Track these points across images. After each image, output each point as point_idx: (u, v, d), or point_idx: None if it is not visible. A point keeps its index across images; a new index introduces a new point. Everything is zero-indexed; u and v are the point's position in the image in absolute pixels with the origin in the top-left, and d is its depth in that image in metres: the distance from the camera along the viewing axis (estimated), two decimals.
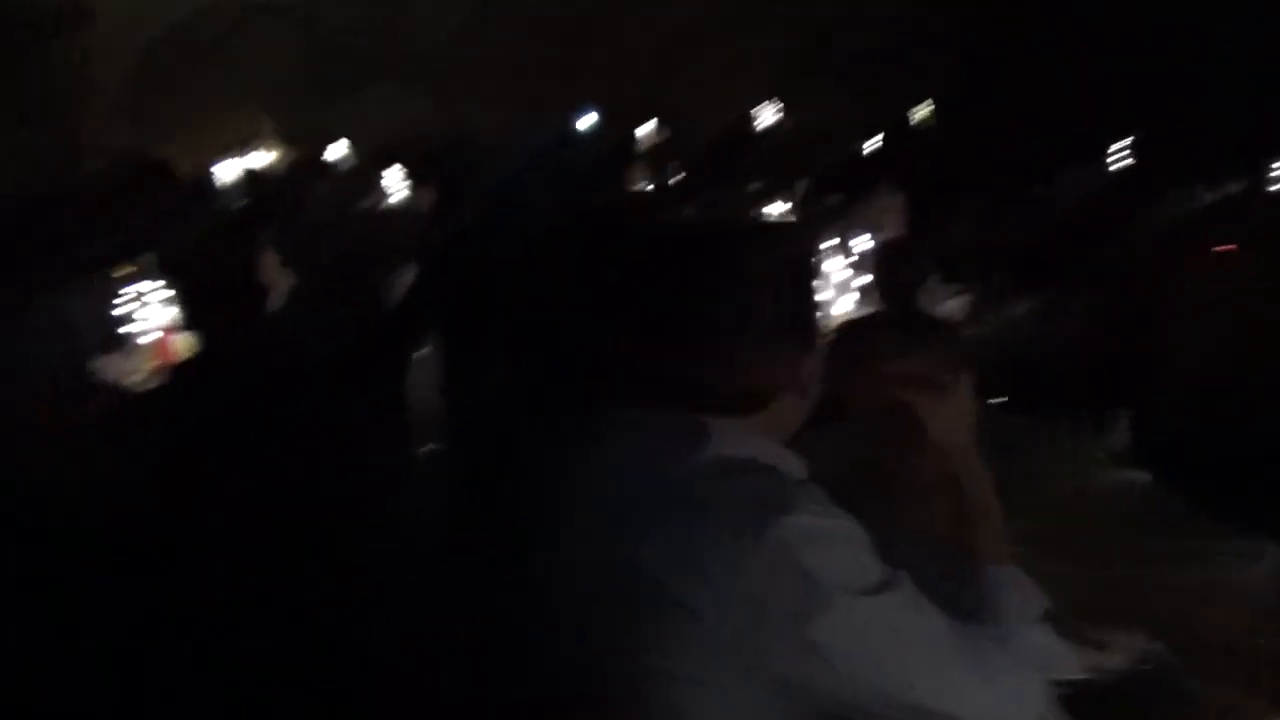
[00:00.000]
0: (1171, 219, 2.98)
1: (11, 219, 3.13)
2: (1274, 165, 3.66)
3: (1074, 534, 1.31)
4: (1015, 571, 1.05)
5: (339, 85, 5.68)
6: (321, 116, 5.44)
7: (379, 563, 2.00)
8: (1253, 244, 2.24)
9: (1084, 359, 1.97)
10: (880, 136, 5.70)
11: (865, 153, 5.62)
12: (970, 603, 1.01)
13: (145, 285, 2.94)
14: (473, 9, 6.19)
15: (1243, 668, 1.15)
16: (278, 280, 2.62)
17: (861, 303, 3.17)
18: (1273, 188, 3.60)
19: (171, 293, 2.80)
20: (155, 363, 2.86)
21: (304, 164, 4.78)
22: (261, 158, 4.97)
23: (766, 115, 6.44)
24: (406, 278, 2.90)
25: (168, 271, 2.88)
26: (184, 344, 2.70)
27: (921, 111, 6.67)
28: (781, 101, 6.47)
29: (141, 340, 2.92)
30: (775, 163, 4.90)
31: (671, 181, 4.81)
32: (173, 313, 2.83)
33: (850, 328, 1.39)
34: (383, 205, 4.43)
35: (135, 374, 2.84)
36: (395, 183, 4.64)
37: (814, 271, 1.13)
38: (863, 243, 3.39)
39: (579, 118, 6.05)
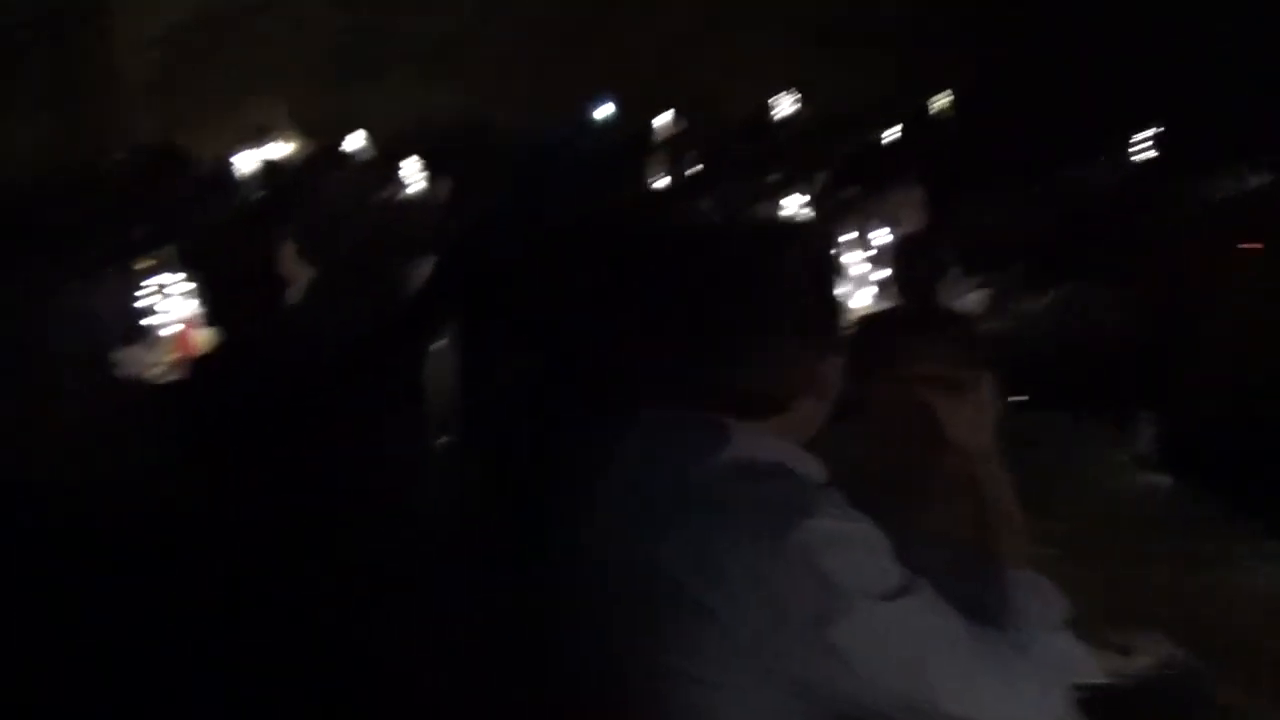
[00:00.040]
0: (1195, 213, 2.93)
1: (33, 209, 3.16)
2: None
3: (1096, 536, 1.30)
4: (1037, 576, 1.05)
5: (356, 75, 5.69)
6: (339, 107, 5.45)
7: (395, 556, 2.01)
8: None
9: (1107, 357, 1.95)
10: (899, 127, 5.66)
11: (884, 143, 5.58)
12: (991, 607, 1.00)
13: (166, 278, 2.95)
14: None
15: (1267, 672, 1.14)
16: (296, 273, 2.63)
17: (880, 297, 3.15)
18: None
19: (192, 285, 2.82)
20: (176, 355, 2.88)
21: (321, 155, 4.79)
22: (279, 148, 4.98)
23: (784, 105, 6.41)
24: (424, 269, 2.91)
25: (188, 264, 2.90)
26: (204, 337, 2.72)
27: (941, 101, 6.62)
28: (799, 92, 6.43)
29: (162, 333, 2.94)
30: (793, 154, 4.87)
31: (689, 173, 4.79)
32: (193, 305, 2.85)
33: (869, 325, 1.37)
34: (400, 196, 4.43)
35: (156, 366, 2.86)
36: (413, 173, 4.64)
37: (834, 272, 1.12)
38: (881, 236, 3.36)
39: (596, 108, 6.05)
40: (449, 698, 1.59)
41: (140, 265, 3.02)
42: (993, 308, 3.03)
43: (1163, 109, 4.98)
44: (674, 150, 5.02)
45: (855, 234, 3.38)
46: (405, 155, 4.69)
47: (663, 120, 5.65)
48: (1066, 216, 3.78)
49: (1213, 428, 1.44)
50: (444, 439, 2.56)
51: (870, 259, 3.29)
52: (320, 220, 3.05)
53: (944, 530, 1.07)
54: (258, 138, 4.90)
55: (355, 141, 5.14)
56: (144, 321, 2.96)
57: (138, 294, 2.98)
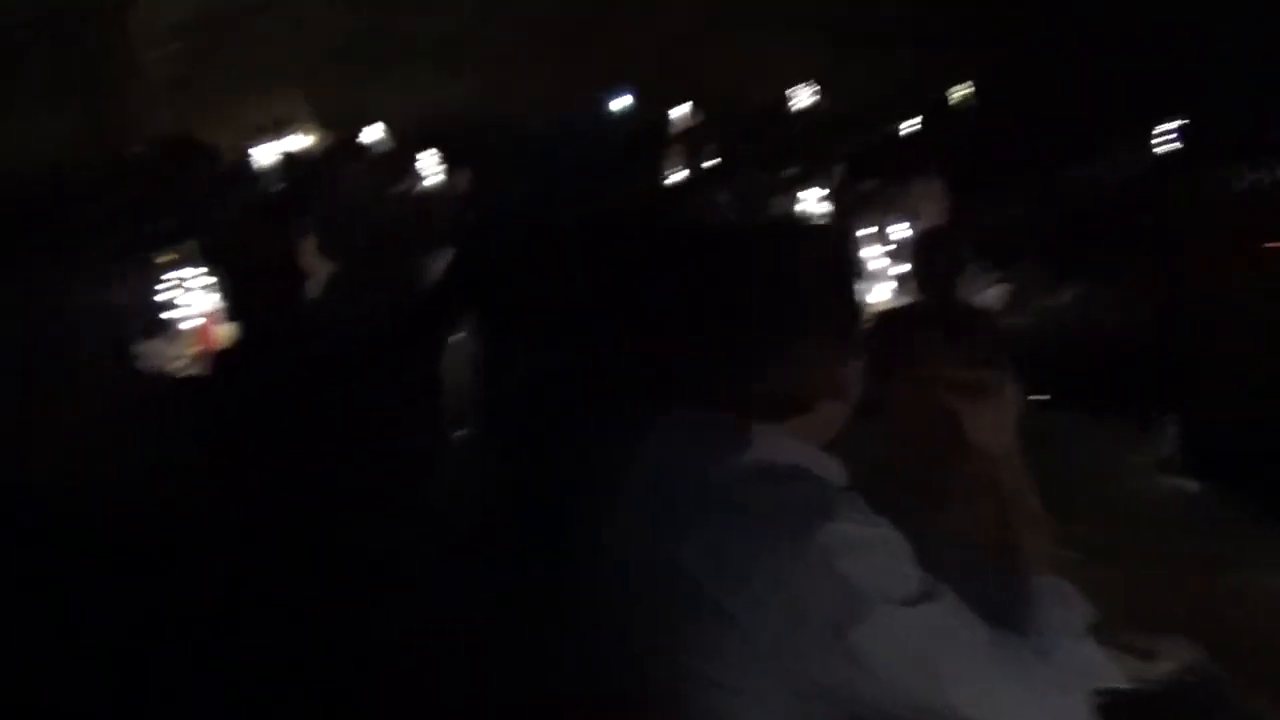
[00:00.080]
0: (1220, 208, 2.90)
1: (54, 203, 3.18)
2: None
3: (1118, 539, 1.29)
4: (1059, 580, 1.04)
5: (374, 68, 5.69)
6: (357, 100, 5.46)
7: (413, 549, 2.02)
8: None
9: (1128, 355, 1.92)
10: (918, 120, 5.62)
11: (903, 136, 5.54)
12: (1013, 612, 1.00)
13: (187, 272, 2.97)
14: None
15: None
16: (316, 266, 2.64)
17: (899, 292, 3.13)
18: None
19: (212, 279, 2.83)
20: (197, 348, 2.90)
21: (339, 148, 4.80)
22: (298, 141, 5.00)
23: (802, 98, 6.37)
24: (441, 261, 2.91)
25: (208, 258, 2.91)
26: (225, 330, 2.73)
27: (960, 93, 6.57)
28: (817, 84, 6.39)
29: (184, 326, 2.96)
30: (811, 147, 4.85)
31: (706, 165, 4.77)
32: (214, 299, 2.87)
33: (889, 323, 1.37)
34: (418, 188, 4.44)
35: (177, 360, 2.88)
36: (430, 166, 4.65)
37: (856, 273, 1.12)
38: (900, 231, 3.34)
39: (614, 100, 6.03)
40: (465, 695, 1.60)
41: (161, 259, 3.04)
42: (1012, 303, 3.01)
43: (1186, 102, 4.93)
44: (691, 143, 5.01)
45: (874, 228, 3.36)
46: (423, 148, 4.69)
47: (680, 113, 5.63)
48: (1088, 211, 3.75)
49: (1237, 429, 1.42)
50: (461, 432, 2.57)
51: (888, 254, 3.27)
52: (338, 213, 3.07)
53: (965, 534, 1.07)
54: (276, 131, 4.91)
55: (373, 134, 5.15)
56: (165, 315, 2.98)
57: (159, 288, 3.00)
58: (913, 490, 1.08)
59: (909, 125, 5.59)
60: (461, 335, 2.63)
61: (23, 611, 1.64)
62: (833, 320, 1.05)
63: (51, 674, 1.61)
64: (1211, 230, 2.37)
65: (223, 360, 2.51)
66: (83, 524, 1.82)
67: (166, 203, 3.47)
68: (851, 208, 3.69)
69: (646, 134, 5.13)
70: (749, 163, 4.52)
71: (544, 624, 1.14)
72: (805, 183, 3.95)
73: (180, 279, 2.98)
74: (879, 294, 3.04)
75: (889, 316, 1.41)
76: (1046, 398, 1.27)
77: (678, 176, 4.51)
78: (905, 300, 2.73)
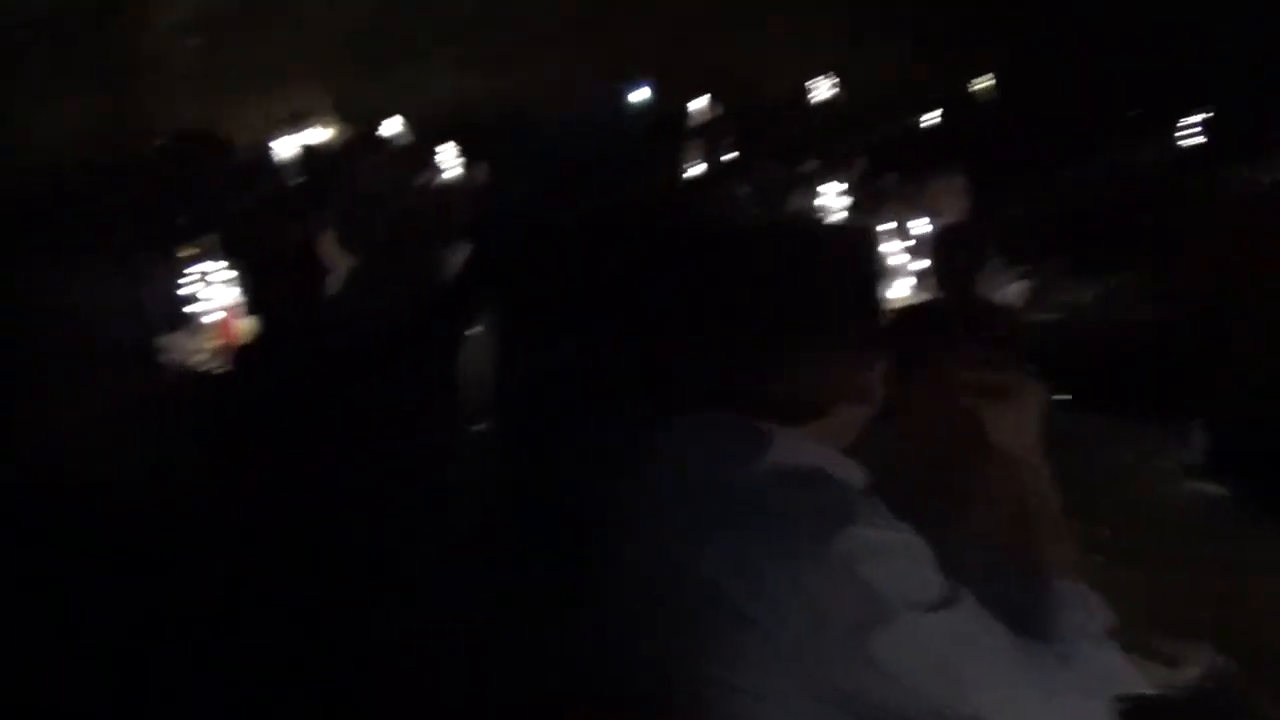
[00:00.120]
0: (1251, 200, 2.85)
1: (75, 195, 3.20)
2: None
3: (1141, 544, 1.28)
4: (1082, 586, 1.03)
5: (393, 60, 5.70)
6: (376, 92, 5.47)
7: (428, 545, 2.02)
8: None
9: (1155, 354, 1.90)
10: (939, 112, 5.58)
11: (923, 129, 5.50)
12: (1035, 618, 0.99)
13: (208, 265, 2.99)
14: None
15: None
16: (334, 260, 2.65)
17: (918, 289, 3.11)
18: None
19: (233, 273, 2.85)
20: (218, 342, 2.92)
21: (358, 141, 4.82)
22: (317, 134, 5.02)
23: (821, 89, 6.33)
24: (460, 254, 2.92)
25: (228, 252, 2.93)
26: (245, 324, 2.75)
27: (982, 85, 6.51)
28: (836, 76, 6.35)
29: (205, 320, 2.98)
30: (830, 140, 4.82)
31: (725, 159, 4.75)
32: (234, 293, 2.89)
33: (910, 323, 1.35)
34: (437, 181, 4.45)
35: (198, 353, 2.90)
36: (449, 159, 4.65)
37: (879, 276, 1.11)
38: (920, 225, 3.31)
39: (633, 92, 6.02)
40: (480, 697, 1.60)
41: (181, 253, 3.06)
42: (1035, 300, 2.98)
43: (1214, 94, 4.86)
44: (710, 136, 4.99)
45: (893, 223, 3.34)
46: (441, 141, 4.70)
47: (699, 105, 5.61)
48: (1112, 203, 3.70)
49: (1267, 434, 1.40)
50: (479, 426, 2.57)
51: (908, 249, 3.25)
52: (357, 207, 3.08)
53: (987, 538, 1.06)
54: (295, 124, 4.93)
55: (392, 127, 5.16)
56: (186, 309, 3.01)
57: (179, 282, 3.02)
58: (934, 494, 1.07)
59: (929, 118, 5.55)
60: (479, 329, 2.64)
61: (49, 606, 1.66)
62: (854, 321, 1.04)
63: (72, 671, 1.63)
64: (1242, 227, 2.33)
65: (243, 354, 2.53)
66: (101, 518, 1.84)
67: (186, 197, 3.50)
68: (871, 203, 3.67)
69: (665, 126, 5.12)
70: (768, 156, 4.50)
71: (561, 625, 1.13)
72: (824, 177, 3.92)
73: (201, 273, 3.00)
74: (899, 291, 3.03)
75: (909, 315, 1.39)
76: (1068, 398, 1.25)
77: (696, 170, 4.50)
78: (925, 297, 2.71)
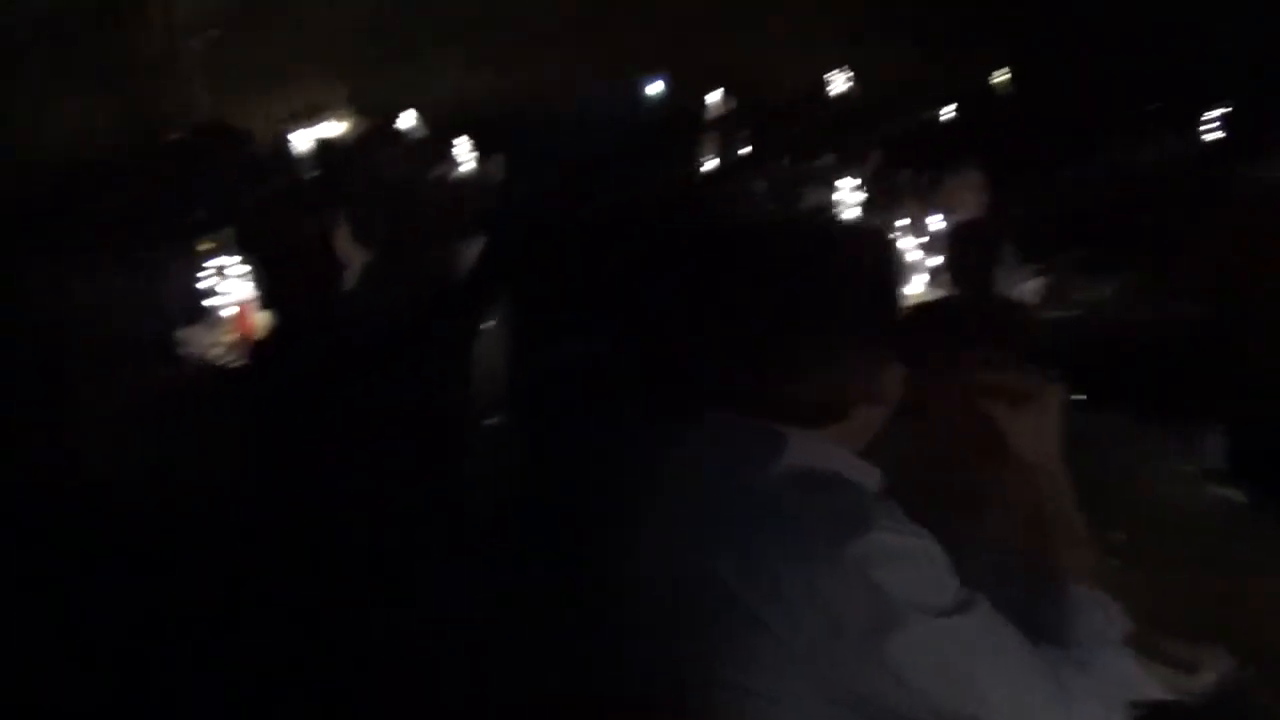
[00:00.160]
0: (1271, 197, 2.82)
1: (93, 190, 3.22)
2: None
3: (1160, 549, 1.27)
4: (1098, 593, 1.03)
5: (407, 53, 5.70)
6: (391, 85, 5.47)
7: (441, 541, 2.03)
8: None
9: (1174, 353, 1.87)
10: (955, 107, 5.54)
11: (939, 124, 5.47)
12: (1051, 624, 0.99)
13: (225, 259, 3.00)
14: None
15: None
16: (350, 254, 2.66)
17: (933, 285, 3.09)
18: None
19: (249, 268, 2.87)
20: (234, 335, 2.93)
21: (373, 134, 4.82)
22: (332, 127, 5.02)
23: (837, 84, 6.30)
24: (474, 248, 2.92)
25: (244, 245, 2.94)
26: (262, 317, 2.77)
27: (998, 78, 6.47)
28: (851, 70, 6.32)
29: (222, 313, 2.99)
30: (845, 135, 4.79)
31: (740, 153, 4.74)
32: (251, 286, 2.90)
33: (926, 322, 1.35)
34: (452, 175, 4.45)
35: (215, 346, 2.91)
36: (464, 152, 4.65)
37: (898, 277, 1.10)
38: (935, 221, 3.30)
39: (647, 85, 6.01)
40: (491, 697, 1.60)
41: (198, 247, 3.07)
42: (1051, 297, 2.96)
43: (1231, 86, 4.81)
44: (724, 130, 4.98)
45: (908, 220, 3.32)
46: (456, 134, 4.70)
47: (713, 99, 5.59)
48: (1129, 200, 3.67)
49: None
50: (492, 420, 2.57)
51: (923, 245, 3.23)
52: (372, 200, 3.08)
53: (1003, 543, 1.05)
54: (311, 117, 4.94)
55: (407, 120, 5.16)
56: (202, 303, 3.02)
57: (195, 275, 3.04)
58: (951, 498, 1.07)
59: (945, 113, 5.51)
60: (492, 323, 2.64)
61: (70, 596, 1.67)
62: (872, 323, 1.03)
63: (85, 664, 1.65)
64: (1261, 224, 2.30)
65: (258, 348, 2.54)
66: (119, 510, 1.85)
67: (201, 190, 3.51)
68: (886, 199, 3.65)
69: (679, 120, 5.11)
70: (782, 151, 4.49)
71: (572, 625, 1.14)
72: (839, 173, 3.91)
73: (217, 267, 3.01)
74: (915, 289, 3.01)
75: (926, 316, 1.38)
76: (1084, 398, 1.24)
77: (711, 164, 4.48)
78: (941, 296, 2.70)
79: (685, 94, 5.82)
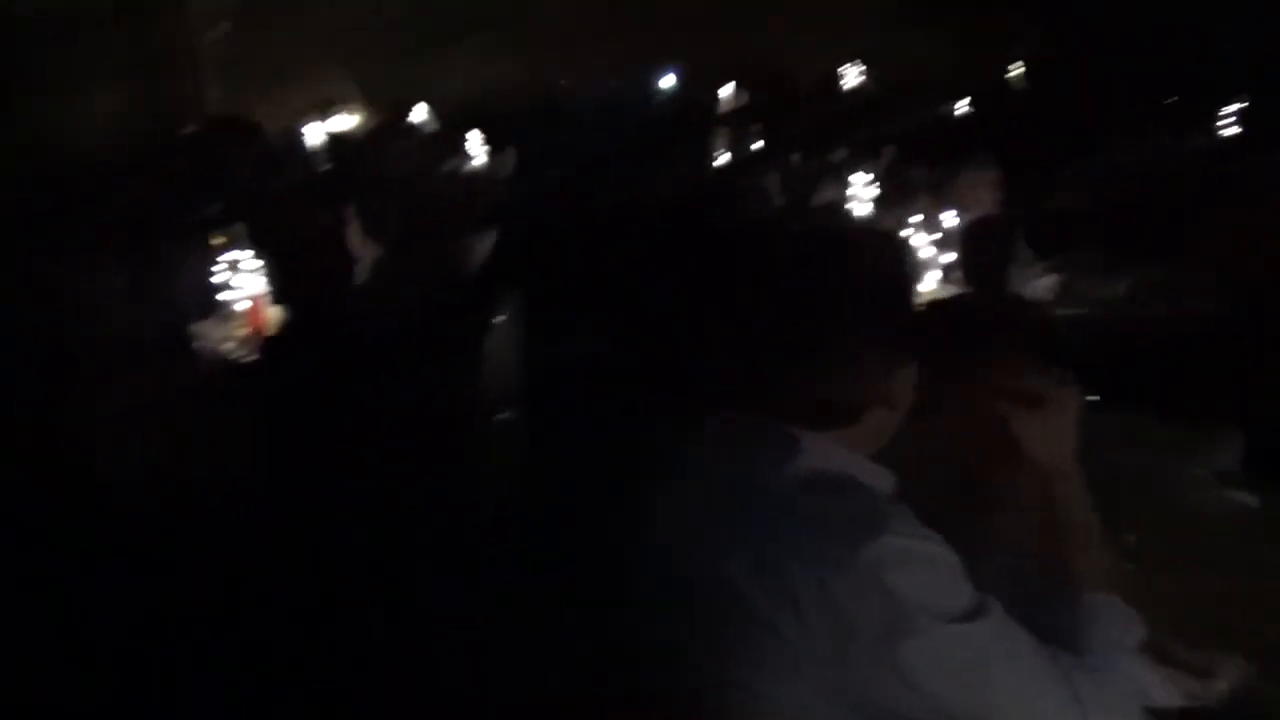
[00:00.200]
0: None
1: (104, 183, 3.23)
2: None
3: (1175, 554, 1.26)
4: (1113, 599, 1.02)
5: (421, 47, 5.70)
6: (404, 79, 5.47)
7: (451, 537, 2.03)
8: None
9: (1191, 352, 1.85)
10: (968, 100, 5.50)
11: (953, 118, 5.43)
12: (1065, 629, 0.98)
13: (238, 254, 3.01)
14: None
15: None
16: (362, 250, 2.66)
17: (946, 283, 3.07)
18: None
19: (262, 262, 2.87)
20: (247, 330, 2.94)
21: (386, 127, 4.82)
22: (345, 121, 5.03)
23: (850, 77, 6.27)
24: (487, 242, 2.92)
25: (257, 240, 2.95)
26: (274, 312, 2.77)
27: (1012, 72, 6.42)
28: (864, 63, 6.28)
29: (234, 307, 3.00)
30: (859, 130, 4.77)
31: (752, 148, 4.72)
32: (263, 280, 2.91)
33: (939, 323, 1.33)
34: (464, 168, 4.45)
35: (228, 340, 2.92)
36: (476, 146, 4.65)
37: (914, 280, 1.10)
38: (949, 217, 3.27)
39: (660, 79, 5.99)
40: (495, 695, 1.60)
41: (210, 241, 3.08)
42: (1065, 295, 2.93)
43: (1250, 79, 4.76)
44: (736, 124, 4.96)
45: (922, 215, 3.30)
46: (468, 128, 4.70)
47: (725, 92, 5.57)
48: (1147, 194, 3.63)
49: None
50: (502, 416, 2.58)
51: (937, 241, 3.21)
52: (385, 194, 3.08)
53: (1017, 548, 1.05)
54: (323, 111, 4.94)
55: (419, 114, 5.16)
56: (215, 297, 3.03)
57: (209, 269, 3.04)
58: (964, 502, 1.06)
59: (959, 107, 5.47)
60: (504, 318, 2.64)
61: (79, 592, 1.68)
62: (886, 326, 1.03)
63: (110, 653, 1.65)
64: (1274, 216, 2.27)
65: (271, 342, 2.55)
66: (127, 504, 1.86)
67: (214, 184, 3.51)
68: (900, 194, 3.63)
69: (691, 114, 5.10)
70: (795, 145, 4.47)
71: (581, 625, 1.13)
72: (852, 167, 3.89)
73: (229, 261, 3.02)
74: (928, 288, 2.99)
75: (940, 317, 1.37)
76: (1098, 398, 1.23)
77: (723, 159, 4.47)
78: (955, 295, 2.68)
79: (697, 88, 5.80)
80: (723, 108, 5.43)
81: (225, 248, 3.03)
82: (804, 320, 1.01)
